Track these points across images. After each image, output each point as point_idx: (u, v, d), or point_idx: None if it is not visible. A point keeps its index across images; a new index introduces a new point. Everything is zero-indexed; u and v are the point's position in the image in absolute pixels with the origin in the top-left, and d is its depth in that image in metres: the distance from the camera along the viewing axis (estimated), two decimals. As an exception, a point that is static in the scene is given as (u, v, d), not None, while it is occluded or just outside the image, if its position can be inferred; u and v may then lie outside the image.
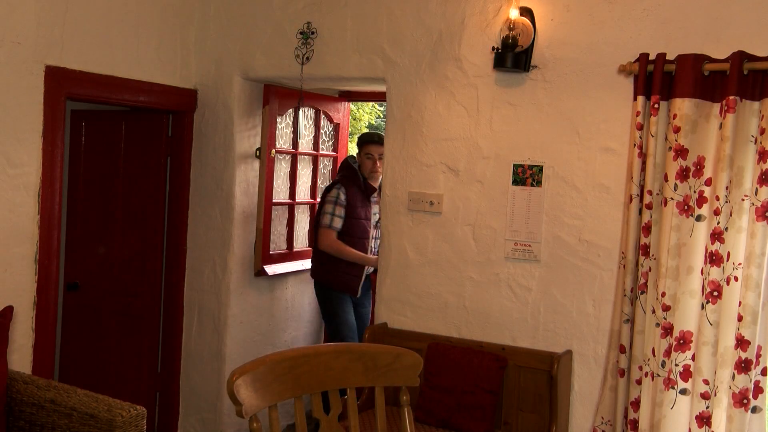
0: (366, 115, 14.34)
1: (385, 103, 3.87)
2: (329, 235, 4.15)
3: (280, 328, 4.53)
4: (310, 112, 4.50)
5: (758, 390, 2.77)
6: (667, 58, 2.92)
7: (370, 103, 13.89)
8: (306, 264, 4.53)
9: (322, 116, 4.58)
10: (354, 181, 4.22)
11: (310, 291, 4.76)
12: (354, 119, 13.77)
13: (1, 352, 2.87)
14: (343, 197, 4.14)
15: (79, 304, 4.51)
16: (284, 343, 4.48)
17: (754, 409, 2.77)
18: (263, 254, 4.14)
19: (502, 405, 3.35)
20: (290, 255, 4.40)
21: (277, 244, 4.32)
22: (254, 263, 4.19)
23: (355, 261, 4.19)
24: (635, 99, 3.01)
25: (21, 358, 3.27)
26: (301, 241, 4.54)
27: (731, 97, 2.73)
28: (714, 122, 2.83)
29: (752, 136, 2.75)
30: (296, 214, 4.46)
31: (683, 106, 2.84)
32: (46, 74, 3.30)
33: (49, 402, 2.81)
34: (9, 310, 2.98)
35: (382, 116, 14.56)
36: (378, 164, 4.18)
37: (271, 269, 4.20)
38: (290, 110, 4.29)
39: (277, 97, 4.14)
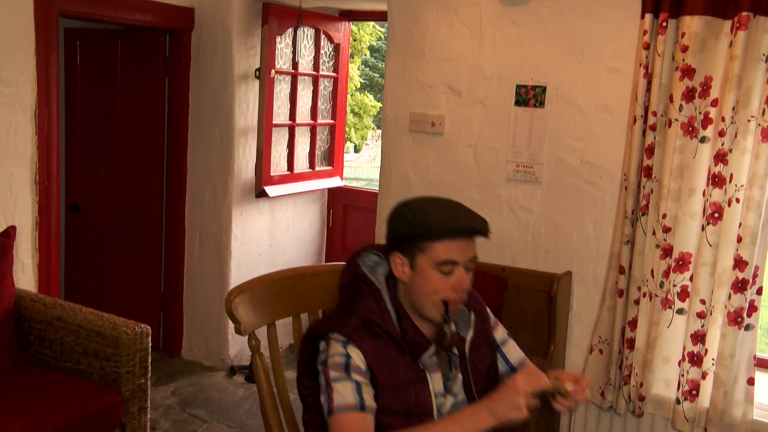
0: (367, 36, 14.06)
1: (386, 23, 3.77)
2: (352, 422, 1.62)
3: (282, 249, 4.57)
4: (310, 31, 4.40)
5: (752, 308, 2.81)
6: (677, -27, 2.82)
7: (371, 24, 13.61)
8: (306, 186, 4.52)
9: (323, 36, 4.48)
10: (379, 323, 1.71)
11: (311, 212, 4.78)
12: (354, 40, 13.51)
13: (7, 269, 2.91)
14: (359, 365, 1.66)
15: (81, 225, 4.54)
16: (285, 264, 4.53)
17: (747, 327, 2.82)
18: (264, 175, 4.13)
19: (502, 324, 3.41)
20: (291, 176, 4.39)
21: (278, 165, 4.31)
22: (255, 184, 4.18)
23: None
24: (642, 17, 2.93)
25: (26, 278, 3.31)
26: (301, 163, 4.52)
27: (744, 14, 2.65)
28: (724, 41, 2.76)
29: (763, 55, 2.68)
30: (296, 135, 4.42)
31: (693, 23, 2.77)
32: (36, -11, 3.21)
33: (56, 319, 2.86)
34: (12, 229, 3.00)
35: (383, 37, 14.29)
36: (467, 281, 1.76)
37: (272, 191, 4.20)
38: (290, 30, 4.19)
39: (276, 15, 4.04)
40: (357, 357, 1.66)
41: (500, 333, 1.94)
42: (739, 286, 2.79)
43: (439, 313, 1.70)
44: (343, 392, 1.62)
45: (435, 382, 1.74)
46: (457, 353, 1.79)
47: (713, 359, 2.88)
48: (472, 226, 1.72)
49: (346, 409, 1.61)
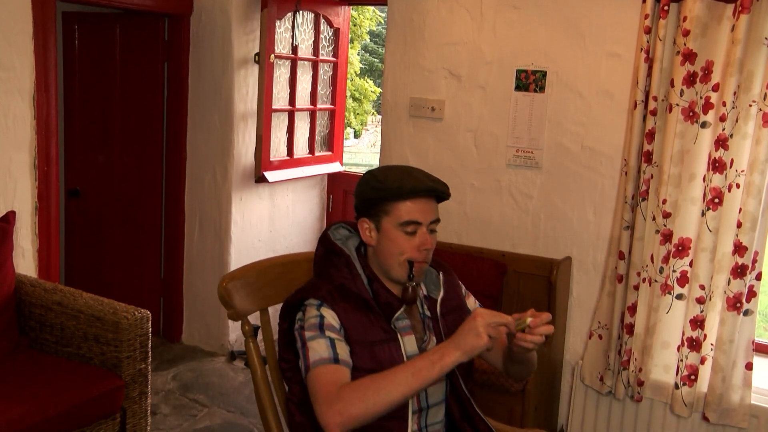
0: (367, 20, 14.00)
1: (386, 8, 3.75)
2: (328, 373, 1.67)
3: (282, 235, 4.57)
4: (310, 16, 4.37)
5: (752, 294, 2.81)
6: (679, -44, 2.80)
7: (371, 9, 13.54)
8: (306, 171, 4.51)
9: (322, 20, 4.46)
10: (351, 287, 1.80)
11: (311, 198, 4.77)
12: (354, 25, 13.45)
13: (7, 254, 2.90)
14: (332, 324, 1.73)
15: (81, 211, 4.54)
16: (285, 249, 4.52)
17: (746, 312, 2.82)
18: (264, 161, 4.12)
19: (501, 310, 3.42)
20: (291, 162, 4.38)
21: (278, 150, 4.30)
22: (255, 170, 4.17)
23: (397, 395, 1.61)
24: (644, 1, 2.91)
25: (26, 263, 3.31)
26: (301, 148, 4.51)
27: (747, -3, 2.64)
28: (726, 24, 2.75)
29: (765, 39, 2.66)
30: (296, 120, 4.41)
31: (695, 7, 2.75)
32: (34, -27, 3.19)
33: (56, 304, 2.86)
34: (12, 214, 3.00)
35: (383, 22, 14.22)
36: (430, 241, 1.81)
37: (272, 176, 4.19)
38: (289, 14, 4.17)
39: (276, 0, 4.02)
40: (330, 317, 1.72)
41: (472, 302, 2.02)
42: (739, 271, 2.79)
43: (405, 273, 1.79)
44: (318, 348, 1.67)
45: (408, 344, 1.80)
46: (430, 315, 1.88)
47: (712, 344, 2.89)
48: (432, 186, 1.79)
49: (320, 363, 1.65)
